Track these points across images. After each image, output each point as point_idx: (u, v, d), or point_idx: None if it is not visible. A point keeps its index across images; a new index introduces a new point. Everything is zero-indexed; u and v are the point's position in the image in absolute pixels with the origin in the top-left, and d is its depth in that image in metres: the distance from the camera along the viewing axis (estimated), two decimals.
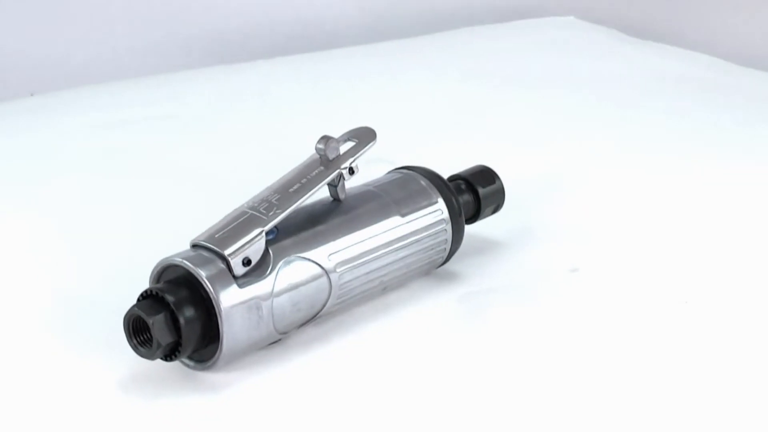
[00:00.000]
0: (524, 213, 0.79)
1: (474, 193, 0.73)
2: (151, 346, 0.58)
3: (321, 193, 0.66)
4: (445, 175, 0.72)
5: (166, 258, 0.60)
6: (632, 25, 1.30)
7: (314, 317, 0.64)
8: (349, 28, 1.34)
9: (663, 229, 0.78)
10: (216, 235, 0.61)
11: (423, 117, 1.02)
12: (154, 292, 0.59)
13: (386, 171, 0.72)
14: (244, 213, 0.62)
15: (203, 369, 0.61)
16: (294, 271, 0.62)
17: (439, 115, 1.03)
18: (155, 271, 0.61)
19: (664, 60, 1.18)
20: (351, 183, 0.67)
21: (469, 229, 0.74)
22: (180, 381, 0.61)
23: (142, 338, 0.59)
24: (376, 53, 1.25)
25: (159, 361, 0.60)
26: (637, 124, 1.00)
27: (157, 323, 0.58)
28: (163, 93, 1.08)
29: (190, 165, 0.89)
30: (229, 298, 0.59)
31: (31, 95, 1.10)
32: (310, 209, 0.66)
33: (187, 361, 0.61)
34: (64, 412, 0.59)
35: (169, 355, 0.59)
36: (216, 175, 0.86)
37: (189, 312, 0.58)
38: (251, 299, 0.60)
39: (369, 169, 0.70)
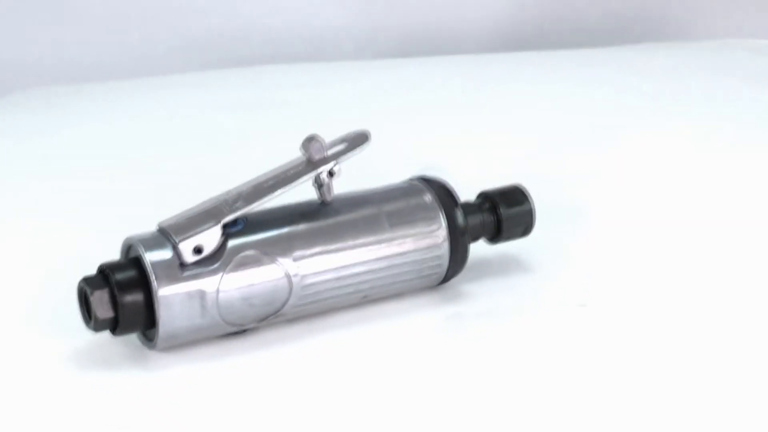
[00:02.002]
0: (569, 240, 0.76)
1: (497, 213, 0.70)
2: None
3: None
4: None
5: (129, 237, 0.63)
6: None
7: (276, 314, 0.64)
8: (533, 34, 1.32)
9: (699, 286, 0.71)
10: (176, 221, 0.62)
11: (554, 128, 0.99)
12: (103, 268, 0.62)
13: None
14: (211, 203, 0.63)
15: (150, 348, 0.63)
16: (249, 266, 0.62)
17: (572, 128, 0.99)
18: (123, 248, 0.63)
19: None
20: (348, 187, 0.67)
21: (493, 249, 0.72)
22: (127, 356, 0.63)
23: (87, 310, 0.62)
24: (550, 60, 1.22)
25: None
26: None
27: (97, 298, 0.60)
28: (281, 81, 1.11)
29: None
30: (168, 283, 0.61)
31: None
32: (293, 208, 0.66)
33: (142, 338, 0.64)
34: (7, 380, 0.62)
35: (114, 330, 0.62)
36: None
37: (129, 291, 0.61)
38: (194, 287, 0.61)
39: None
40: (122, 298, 0.60)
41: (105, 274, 0.61)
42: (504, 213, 0.70)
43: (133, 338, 0.64)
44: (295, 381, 0.62)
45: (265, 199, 0.64)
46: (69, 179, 0.90)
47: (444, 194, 0.68)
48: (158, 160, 0.93)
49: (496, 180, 0.72)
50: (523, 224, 0.71)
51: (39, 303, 0.68)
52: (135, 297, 0.61)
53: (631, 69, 1.16)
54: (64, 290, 0.64)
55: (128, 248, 0.63)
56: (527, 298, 0.69)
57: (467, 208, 0.69)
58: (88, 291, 0.61)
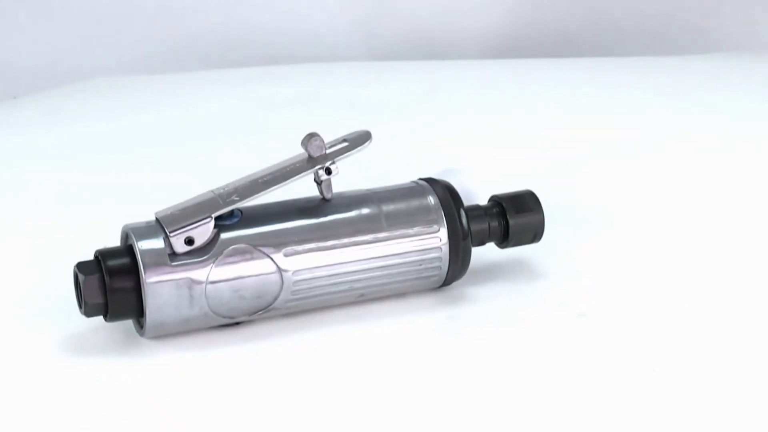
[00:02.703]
0: (581, 247, 0.75)
1: (505, 219, 0.69)
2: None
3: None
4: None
5: (126, 225, 0.64)
6: None
7: (268, 308, 0.64)
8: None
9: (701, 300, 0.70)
10: (171, 212, 0.63)
11: (563, 136, 0.99)
12: (98, 254, 0.63)
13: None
14: (208, 195, 0.64)
15: (141, 335, 0.64)
16: (239, 259, 0.63)
17: (578, 136, 0.99)
18: (122, 236, 0.65)
19: None
20: (355, 186, 0.68)
21: (503, 252, 0.71)
22: (119, 342, 0.65)
23: (79, 295, 0.63)
24: (554, 69, 1.22)
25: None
26: None
27: (87, 283, 0.62)
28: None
29: None
30: (156, 272, 0.61)
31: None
32: (291, 204, 0.66)
33: (136, 325, 0.65)
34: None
35: (106, 315, 0.63)
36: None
37: (119, 278, 0.62)
38: (182, 277, 0.62)
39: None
40: (111, 284, 0.62)
41: (98, 260, 0.62)
42: (512, 219, 0.69)
43: (129, 324, 0.65)
44: (284, 373, 0.62)
45: (260, 194, 0.64)
46: (92, 169, 0.94)
47: (448, 197, 0.67)
48: (162, 154, 0.95)
49: (508, 184, 0.72)
50: (532, 231, 0.70)
51: (43, 286, 0.70)
52: (124, 284, 0.62)
53: (638, 80, 1.15)
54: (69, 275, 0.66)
55: (126, 236, 0.64)
56: (529, 304, 0.68)
57: (473, 211, 0.69)
58: (80, 276, 0.62)
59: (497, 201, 0.70)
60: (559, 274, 0.72)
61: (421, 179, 0.70)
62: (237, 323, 0.65)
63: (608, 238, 0.76)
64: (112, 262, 0.62)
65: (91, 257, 0.64)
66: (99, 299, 0.62)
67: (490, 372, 0.62)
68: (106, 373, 0.62)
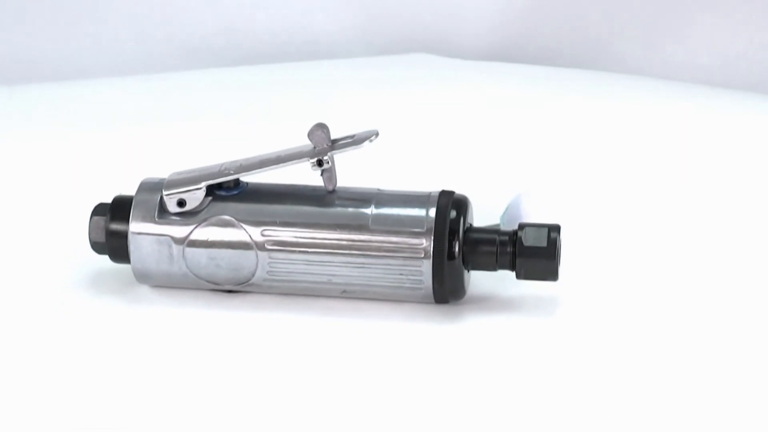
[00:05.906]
0: (607, 285, 0.71)
1: (514, 248, 0.67)
2: None
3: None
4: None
5: (145, 178, 0.70)
6: None
7: (248, 282, 0.68)
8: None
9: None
10: (178, 174, 0.69)
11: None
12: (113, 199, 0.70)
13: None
14: (215, 168, 0.69)
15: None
16: (221, 229, 0.67)
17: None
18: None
19: None
20: (354, 181, 0.69)
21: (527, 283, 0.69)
22: (120, 285, 0.71)
23: None
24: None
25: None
26: None
27: (93, 223, 0.69)
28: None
29: None
30: (141, 224, 0.68)
31: None
32: (293, 188, 0.69)
33: None
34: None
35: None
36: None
37: (116, 223, 0.68)
38: (164, 235, 0.67)
39: None
40: (108, 227, 0.68)
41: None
42: (519, 251, 0.66)
43: None
44: (254, 343, 0.66)
45: (252, 172, 0.68)
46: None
47: (447, 212, 0.66)
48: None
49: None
50: (541, 269, 0.66)
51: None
52: (118, 229, 0.68)
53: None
54: None
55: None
56: (526, 338, 0.66)
57: (485, 233, 0.67)
58: (91, 215, 0.69)
59: (516, 229, 0.67)
60: (571, 313, 0.68)
61: (444, 190, 0.69)
62: (229, 291, 0.69)
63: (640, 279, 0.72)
64: (118, 208, 0.69)
65: None
66: (100, 239, 0.69)
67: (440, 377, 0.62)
68: (96, 307, 0.69)
